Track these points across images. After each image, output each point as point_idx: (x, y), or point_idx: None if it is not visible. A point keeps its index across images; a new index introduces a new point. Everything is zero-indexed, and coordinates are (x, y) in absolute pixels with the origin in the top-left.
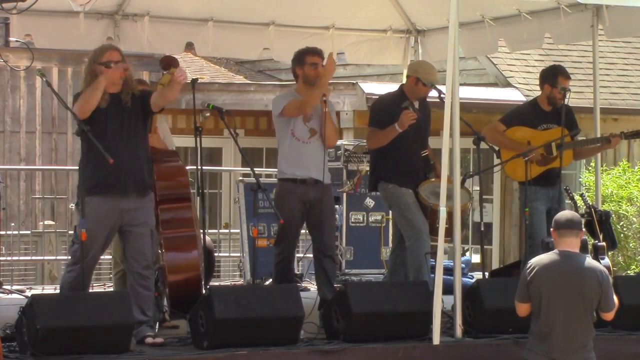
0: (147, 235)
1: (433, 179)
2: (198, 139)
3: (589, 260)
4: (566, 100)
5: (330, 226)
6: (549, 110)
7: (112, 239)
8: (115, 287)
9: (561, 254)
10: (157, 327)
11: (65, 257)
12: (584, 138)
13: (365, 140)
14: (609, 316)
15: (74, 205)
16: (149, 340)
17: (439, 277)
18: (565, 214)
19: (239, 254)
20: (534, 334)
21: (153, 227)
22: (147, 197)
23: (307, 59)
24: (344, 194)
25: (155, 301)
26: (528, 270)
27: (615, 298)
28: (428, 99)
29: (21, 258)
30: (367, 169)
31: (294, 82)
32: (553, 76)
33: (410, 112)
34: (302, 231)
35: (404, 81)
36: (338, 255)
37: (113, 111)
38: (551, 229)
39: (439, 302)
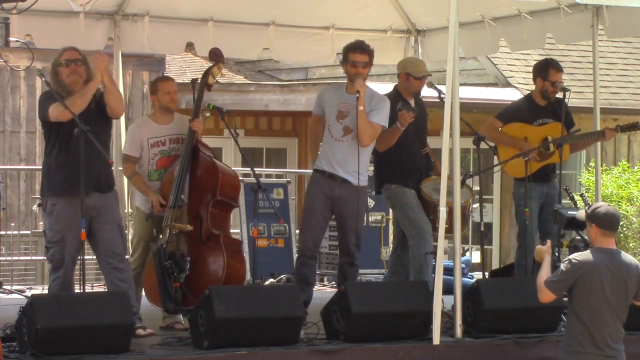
0: (116, 231)
1: (434, 177)
2: None
3: (628, 256)
4: (566, 99)
5: (351, 230)
6: (544, 105)
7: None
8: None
9: (606, 251)
10: (181, 317)
11: None
12: (580, 132)
13: None
14: None
15: (36, 207)
16: (140, 332)
17: (439, 277)
18: (610, 212)
19: None
20: (582, 335)
21: (120, 222)
22: (109, 193)
23: (349, 57)
24: None
25: (175, 291)
26: (576, 267)
27: None
28: (427, 99)
29: (21, 258)
30: None
31: (294, 82)
32: (544, 69)
33: (405, 113)
34: None
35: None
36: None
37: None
38: (592, 225)
39: (439, 302)
